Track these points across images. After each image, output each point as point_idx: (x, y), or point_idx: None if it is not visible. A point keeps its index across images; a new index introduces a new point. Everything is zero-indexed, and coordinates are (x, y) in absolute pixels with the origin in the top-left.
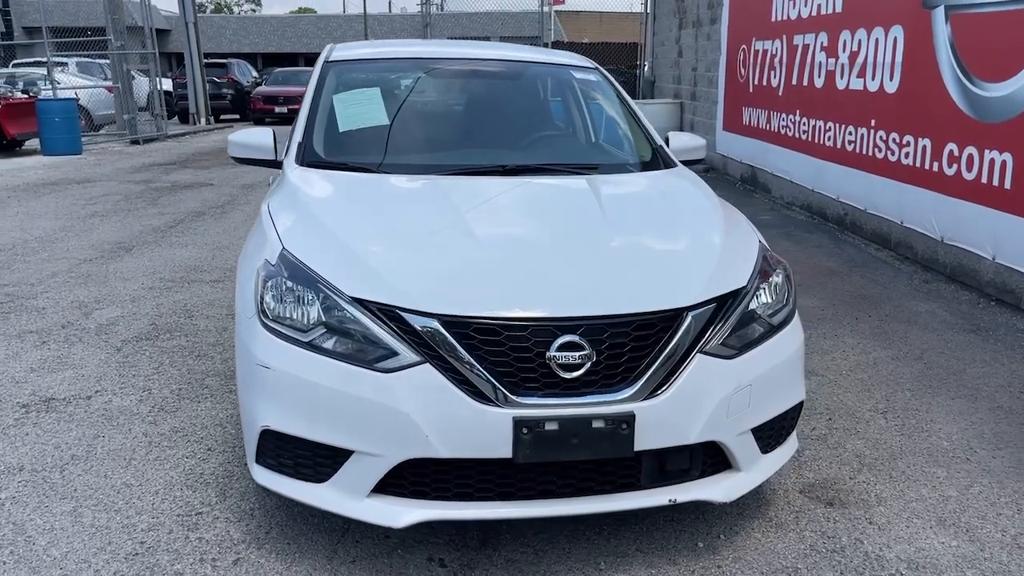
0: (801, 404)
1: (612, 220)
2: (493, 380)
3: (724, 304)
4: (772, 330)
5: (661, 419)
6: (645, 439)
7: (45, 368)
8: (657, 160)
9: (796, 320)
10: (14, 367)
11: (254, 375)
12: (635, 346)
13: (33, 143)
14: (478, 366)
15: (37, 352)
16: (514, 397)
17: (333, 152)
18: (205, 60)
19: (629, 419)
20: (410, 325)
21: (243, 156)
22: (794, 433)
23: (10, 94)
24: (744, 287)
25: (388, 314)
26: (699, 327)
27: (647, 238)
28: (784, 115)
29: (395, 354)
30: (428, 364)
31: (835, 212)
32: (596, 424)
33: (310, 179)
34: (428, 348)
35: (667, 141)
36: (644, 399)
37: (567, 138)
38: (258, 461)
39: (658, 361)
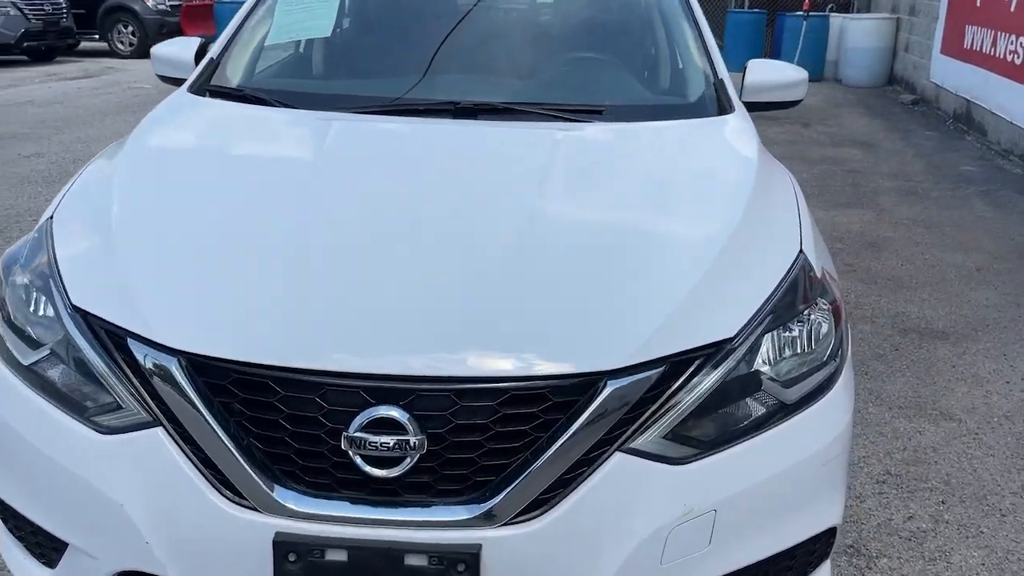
0: (832, 532)
1: (544, 210)
2: (250, 468)
3: (685, 367)
4: (781, 412)
5: (530, 560)
6: None
7: None
8: (705, 102)
9: (839, 390)
10: None
11: None
12: (499, 433)
13: None
14: (226, 441)
15: None
16: (282, 500)
17: (250, 75)
18: None
19: (470, 557)
20: (140, 363)
21: (166, 75)
22: (827, 563)
23: None
24: (729, 340)
25: (117, 341)
26: (626, 406)
27: (583, 246)
28: (1014, 37)
29: (118, 406)
30: (159, 429)
31: None
32: (412, 561)
33: (172, 116)
34: (161, 403)
35: (746, 72)
36: (504, 524)
37: (578, 67)
38: None
39: (539, 461)
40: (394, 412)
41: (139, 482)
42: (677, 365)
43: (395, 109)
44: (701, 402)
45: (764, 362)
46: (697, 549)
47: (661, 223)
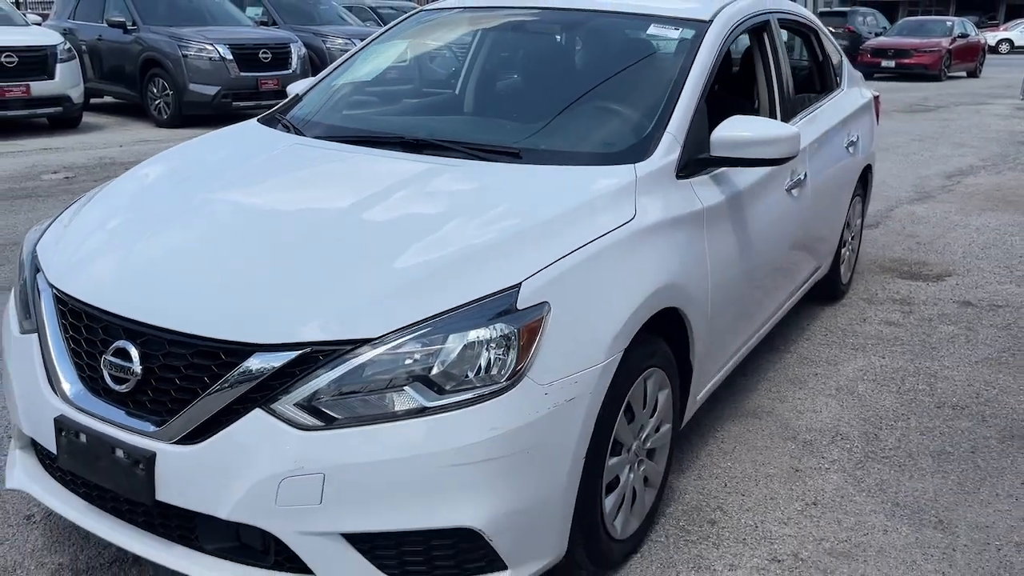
0: (471, 534)
1: (338, 221)
2: (58, 367)
3: (330, 354)
4: (421, 411)
5: (188, 474)
6: (168, 491)
7: None
8: (623, 152)
9: (500, 406)
10: None
11: None
12: (188, 376)
13: None
14: (51, 349)
15: None
16: (68, 393)
17: (314, 109)
18: (827, 10)
19: (148, 460)
20: (39, 289)
21: None
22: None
23: None
24: (371, 339)
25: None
26: (265, 374)
27: (339, 246)
28: None
29: (28, 316)
30: (36, 335)
31: None
32: (118, 453)
33: (214, 134)
34: (40, 318)
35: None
36: (176, 442)
37: (528, 110)
38: None
39: (201, 400)
40: (128, 346)
41: (21, 367)
42: (320, 351)
43: (368, 140)
44: (337, 385)
45: (415, 364)
46: (308, 503)
47: (413, 243)
